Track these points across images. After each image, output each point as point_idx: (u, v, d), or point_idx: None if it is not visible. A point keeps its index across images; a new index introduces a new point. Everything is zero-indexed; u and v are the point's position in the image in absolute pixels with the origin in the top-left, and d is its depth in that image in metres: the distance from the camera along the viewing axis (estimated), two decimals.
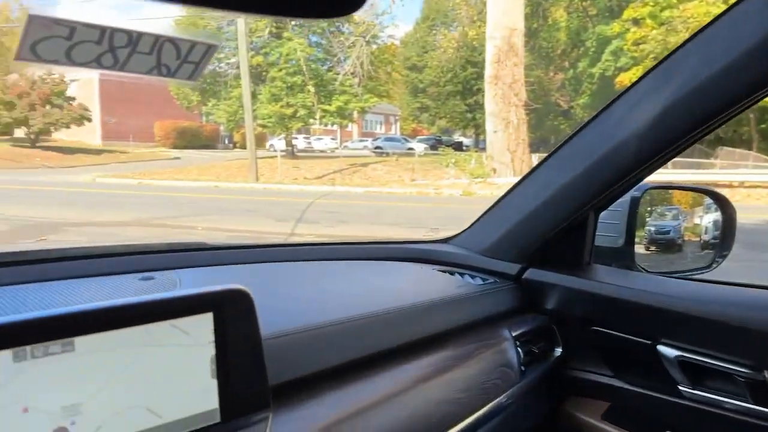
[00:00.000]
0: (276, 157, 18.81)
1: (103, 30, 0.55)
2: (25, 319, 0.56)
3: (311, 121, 24.27)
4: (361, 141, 34.65)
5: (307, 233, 8.19)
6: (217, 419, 0.67)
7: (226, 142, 34.88)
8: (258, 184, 15.94)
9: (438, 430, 0.96)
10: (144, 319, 0.62)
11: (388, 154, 25.08)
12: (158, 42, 0.58)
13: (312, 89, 22.71)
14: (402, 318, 1.02)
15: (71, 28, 0.54)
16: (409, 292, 1.14)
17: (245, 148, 19.41)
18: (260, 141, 25.62)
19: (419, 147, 24.07)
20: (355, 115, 27.72)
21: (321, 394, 0.83)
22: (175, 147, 30.44)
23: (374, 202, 11.75)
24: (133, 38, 0.57)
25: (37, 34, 0.52)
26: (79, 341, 0.58)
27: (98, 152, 25.98)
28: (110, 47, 0.57)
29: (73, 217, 9.04)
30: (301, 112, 22.79)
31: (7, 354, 0.54)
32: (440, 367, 1.03)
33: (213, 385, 0.67)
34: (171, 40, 0.59)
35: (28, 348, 0.55)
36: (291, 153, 24.55)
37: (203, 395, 0.66)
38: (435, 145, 29.03)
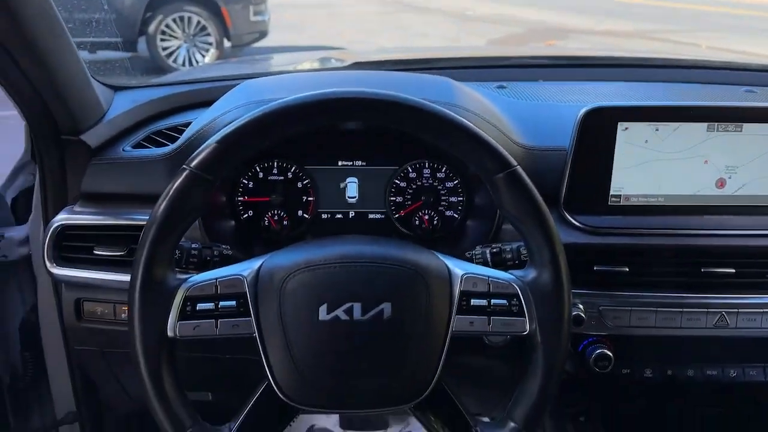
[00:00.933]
0: None
1: None
2: (701, 105, 0.89)
3: None
4: None
5: None
6: None
7: None
8: None
9: None
10: None
11: None
12: None
13: None
14: None
15: None
16: None
17: None
18: None
19: None
20: None
21: None
22: None
23: None
24: None
25: None
26: (746, 126, 0.89)
27: None
28: None
29: (576, 24, 9.51)
30: None
31: (702, 125, 0.89)
32: None
33: None
34: None
35: (715, 124, 0.89)
36: None
37: None
38: None
